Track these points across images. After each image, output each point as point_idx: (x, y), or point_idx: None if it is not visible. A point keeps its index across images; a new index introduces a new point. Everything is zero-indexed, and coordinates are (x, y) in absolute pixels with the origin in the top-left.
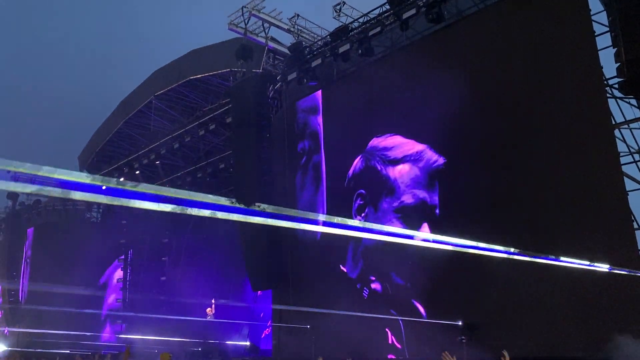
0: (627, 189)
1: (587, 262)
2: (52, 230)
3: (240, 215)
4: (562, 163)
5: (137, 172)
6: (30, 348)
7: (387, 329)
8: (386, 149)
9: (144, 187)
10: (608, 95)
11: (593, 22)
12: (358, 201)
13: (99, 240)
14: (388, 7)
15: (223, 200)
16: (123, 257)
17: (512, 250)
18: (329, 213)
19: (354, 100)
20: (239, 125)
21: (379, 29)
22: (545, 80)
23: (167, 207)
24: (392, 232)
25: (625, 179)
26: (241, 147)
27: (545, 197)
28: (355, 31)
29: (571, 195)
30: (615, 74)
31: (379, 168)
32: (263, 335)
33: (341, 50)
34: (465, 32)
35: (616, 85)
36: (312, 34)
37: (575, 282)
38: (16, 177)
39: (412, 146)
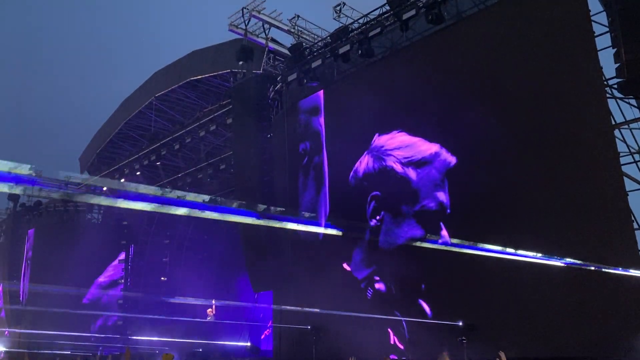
0: (627, 189)
1: (587, 263)
2: (53, 232)
3: (244, 217)
4: (562, 163)
5: (138, 173)
6: (31, 349)
7: (389, 329)
8: (400, 148)
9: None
10: (608, 95)
11: (593, 23)
12: (373, 204)
13: (99, 241)
14: (388, 8)
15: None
16: (124, 257)
17: (508, 250)
18: (331, 213)
19: (355, 101)
20: (240, 126)
21: (379, 29)
22: (545, 80)
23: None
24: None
25: (625, 179)
26: (242, 148)
27: (546, 197)
28: (355, 32)
29: (571, 195)
30: (615, 75)
31: (399, 170)
32: (263, 336)
33: (341, 51)
34: (465, 32)
35: (616, 86)
36: (312, 35)
37: (576, 283)
38: (17, 179)
39: (427, 146)
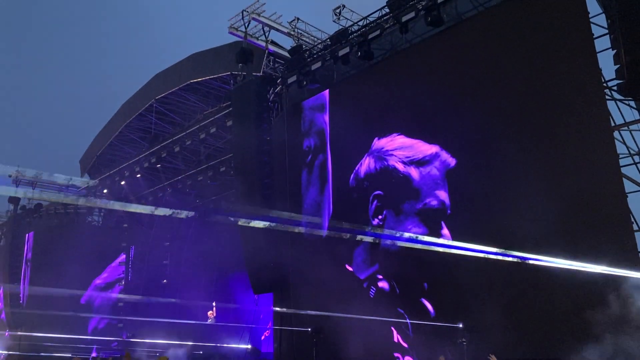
0: (627, 191)
1: (587, 265)
2: (53, 234)
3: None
4: (561, 165)
5: (139, 175)
6: (31, 352)
7: (392, 328)
8: (401, 148)
9: None
10: (607, 97)
11: (592, 25)
12: (375, 203)
13: (100, 244)
14: (387, 10)
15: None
16: (123, 259)
17: (508, 252)
18: (334, 212)
19: (355, 102)
20: (240, 128)
21: (378, 32)
22: (544, 82)
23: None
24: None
25: (625, 181)
26: (242, 150)
27: (545, 199)
28: (354, 34)
29: (571, 197)
30: (614, 76)
31: (400, 169)
32: (263, 337)
33: (341, 53)
34: (465, 35)
35: (615, 87)
36: (312, 37)
37: (576, 284)
38: (17, 181)
39: (427, 147)
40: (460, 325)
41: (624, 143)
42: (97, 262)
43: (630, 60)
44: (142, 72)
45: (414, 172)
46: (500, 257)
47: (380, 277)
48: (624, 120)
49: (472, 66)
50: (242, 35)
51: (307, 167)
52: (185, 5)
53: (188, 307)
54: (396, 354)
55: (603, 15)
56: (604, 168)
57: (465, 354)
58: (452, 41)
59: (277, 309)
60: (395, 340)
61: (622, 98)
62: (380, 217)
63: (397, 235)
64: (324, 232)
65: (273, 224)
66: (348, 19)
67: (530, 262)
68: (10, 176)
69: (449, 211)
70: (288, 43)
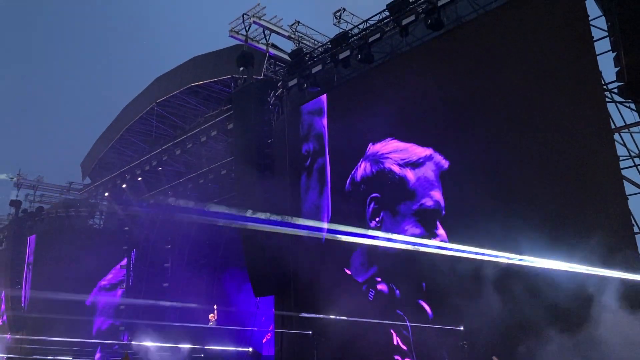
0: (627, 193)
1: (588, 267)
2: (55, 237)
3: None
4: (561, 167)
5: (140, 178)
6: (33, 355)
7: (391, 330)
8: (395, 151)
9: None
10: (607, 99)
11: (592, 27)
12: (372, 205)
13: (101, 247)
14: (387, 13)
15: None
16: (125, 262)
17: (508, 255)
18: (333, 216)
19: (355, 105)
20: (241, 131)
21: (378, 35)
22: (544, 85)
23: None
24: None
25: (625, 183)
26: (242, 153)
27: (545, 201)
28: (355, 37)
29: (571, 199)
30: (615, 79)
31: (397, 171)
32: (264, 340)
33: (341, 56)
34: (465, 38)
35: (615, 90)
36: (313, 41)
37: (576, 287)
38: (19, 185)
39: (421, 149)
40: (461, 328)
41: (625, 145)
42: (98, 265)
43: (630, 62)
44: (143, 75)
45: (409, 174)
46: (499, 260)
47: (379, 279)
48: (625, 122)
49: (472, 69)
50: (243, 38)
51: (306, 171)
52: (186, 9)
53: (189, 310)
54: (396, 357)
55: (603, 17)
56: (604, 170)
57: (467, 358)
58: (453, 44)
59: (278, 312)
60: (395, 343)
61: (623, 100)
62: (377, 219)
63: (397, 238)
64: (324, 236)
65: (274, 227)
66: (348, 22)
67: (530, 264)
68: (11, 179)
69: (443, 212)
70: (289, 46)
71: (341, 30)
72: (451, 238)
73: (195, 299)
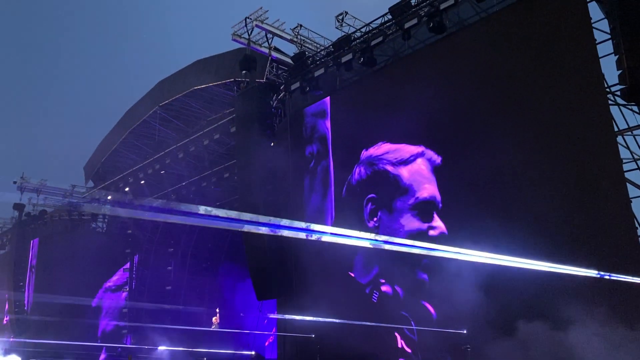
0: (631, 196)
1: (591, 270)
2: (58, 240)
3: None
4: (564, 170)
5: (142, 182)
6: (36, 358)
7: (396, 333)
8: (388, 152)
9: None
10: (610, 102)
11: (594, 30)
12: (369, 206)
13: (104, 250)
14: (390, 16)
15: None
16: (128, 266)
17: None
18: (336, 218)
19: (358, 109)
20: (243, 134)
21: (381, 38)
22: (547, 88)
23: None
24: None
25: (629, 186)
26: (245, 157)
27: (549, 204)
28: (357, 41)
29: (574, 202)
30: (618, 81)
31: (390, 170)
32: (267, 343)
33: (344, 59)
34: (467, 41)
35: (618, 93)
36: (315, 44)
37: (579, 289)
38: (22, 188)
39: (412, 148)
40: (464, 332)
41: (628, 148)
42: (101, 268)
43: (631, 65)
44: (146, 78)
45: (403, 171)
46: (503, 263)
47: (383, 281)
48: (627, 125)
49: (474, 72)
50: (246, 42)
51: (309, 173)
52: (188, 13)
53: (192, 313)
54: None
55: (606, 20)
56: (607, 173)
57: None
58: (455, 47)
59: (281, 315)
60: (400, 345)
61: (625, 103)
62: (375, 219)
63: (400, 242)
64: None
65: (276, 230)
66: (351, 26)
67: (532, 266)
68: (15, 183)
69: (440, 205)
70: (291, 50)
71: (343, 34)
72: (450, 231)
73: (198, 303)
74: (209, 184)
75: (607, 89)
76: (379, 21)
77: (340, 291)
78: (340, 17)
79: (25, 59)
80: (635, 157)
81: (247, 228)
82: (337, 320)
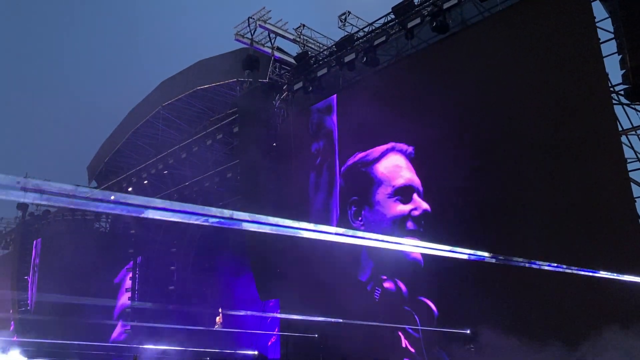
0: (635, 195)
1: (595, 270)
2: (61, 240)
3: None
4: (568, 170)
5: (145, 182)
6: (39, 357)
7: (399, 333)
8: (362, 158)
9: None
10: (614, 102)
11: (598, 29)
12: (353, 208)
13: (107, 250)
14: (393, 16)
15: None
16: (131, 265)
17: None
18: (342, 215)
19: (361, 108)
20: (246, 134)
21: (384, 38)
22: (550, 87)
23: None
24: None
25: (633, 185)
26: (248, 157)
27: (552, 204)
28: (360, 40)
29: (578, 202)
30: (621, 81)
31: (365, 170)
32: (270, 343)
33: (347, 59)
34: (470, 40)
35: (622, 92)
36: (318, 44)
37: (584, 290)
38: (25, 189)
39: (382, 146)
40: (468, 332)
41: (632, 147)
42: (104, 268)
43: (635, 65)
44: (149, 79)
45: (377, 167)
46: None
47: (385, 277)
48: (632, 124)
49: (478, 71)
50: (249, 42)
51: (315, 170)
52: (191, 13)
53: (195, 313)
54: None
55: (609, 19)
56: (611, 172)
57: None
58: (458, 47)
59: (284, 315)
60: (403, 345)
61: (629, 103)
62: (360, 218)
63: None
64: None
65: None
66: (354, 25)
67: (537, 267)
68: (18, 183)
69: (421, 188)
70: (294, 50)
71: (346, 33)
72: (434, 211)
73: (201, 302)
74: (212, 184)
75: (611, 89)
76: (382, 21)
77: (344, 290)
78: (343, 17)
79: (29, 59)
80: None
81: (245, 226)
82: (340, 320)
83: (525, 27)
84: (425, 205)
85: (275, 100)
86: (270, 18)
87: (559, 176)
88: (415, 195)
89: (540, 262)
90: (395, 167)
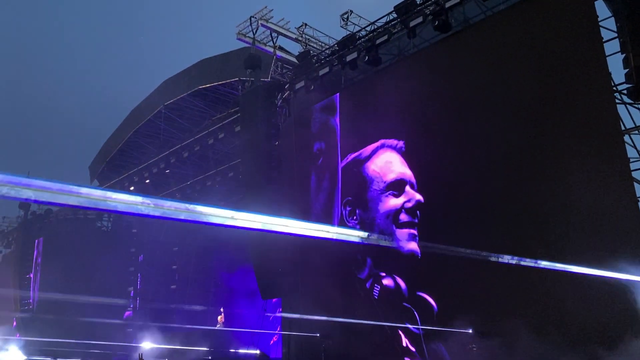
0: (638, 195)
1: (598, 270)
2: (63, 239)
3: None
4: (572, 169)
5: (147, 181)
6: (42, 356)
7: (399, 332)
8: (353, 159)
9: None
10: (617, 101)
11: (601, 28)
12: (347, 208)
13: (109, 249)
14: (395, 15)
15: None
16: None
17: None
18: (342, 215)
19: (363, 107)
20: (248, 133)
21: (386, 37)
22: (553, 86)
23: None
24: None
25: (636, 185)
26: (250, 156)
27: (555, 203)
28: (362, 39)
29: (581, 201)
30: (624, 80)
31: (357, 170)
32: (272, 342)
33: (348, 58)
34: (473, 39)
35: (625, 91)
36: (320, 43)
37: (587, 290)
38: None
39: (372, 145)
40: (470, 331)
41: (635, 147)
42: (106, 267)
43: (638, 64)
44: (151, 78)
45: (368, 166)
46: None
47: (384, 274)
48: (634, 124)
49: (480, 70)
50: (251, 41)
51: (317, 170)
52: (193, 12)
53: (197, 312)
54: (406, 359)
55: (613, 18)
56: (614, 172)
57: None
58: (460, 46)
59: (286, 314)
60: (404, 344)
61: (632, 102)
62: (354, 217)
63: (406, 243)
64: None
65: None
66: (356, 25)
67: (540, 267)
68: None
69: (414, 180)
70: (296, 49)
71: (348, 32)
72: (427, 202)
73: (203, 302)
74: (214, 183)
75: (614, 88)
76: (384, 20)
77: (345, 289)
78: (345, 16)
79: (30, 58)
80: None
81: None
82: (341, 320)
83: (528, 26)
84: (418, 197)
85: (277, 100)
86: (272, 17)
87: (561, 175)
88: (407, 188)
89: (542, 262)
90: (386, 163)
